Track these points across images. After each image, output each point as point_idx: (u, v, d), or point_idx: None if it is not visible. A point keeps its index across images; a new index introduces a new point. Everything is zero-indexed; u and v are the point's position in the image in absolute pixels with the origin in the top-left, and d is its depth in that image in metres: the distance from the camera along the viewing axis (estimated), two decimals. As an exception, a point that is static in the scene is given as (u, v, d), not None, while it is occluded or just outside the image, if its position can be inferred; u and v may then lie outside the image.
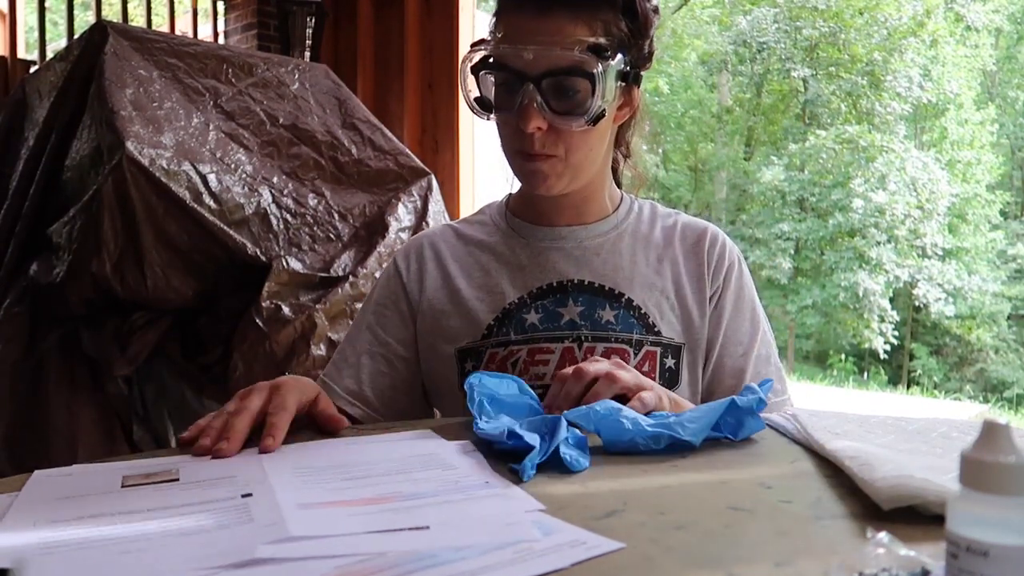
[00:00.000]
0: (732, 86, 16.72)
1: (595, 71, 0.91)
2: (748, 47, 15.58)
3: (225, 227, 2.02)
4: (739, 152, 16.46)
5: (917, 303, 13.79)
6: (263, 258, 2.05)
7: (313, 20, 3.81)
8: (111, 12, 6.95)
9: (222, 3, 4.21)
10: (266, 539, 0.47)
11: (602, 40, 0.92)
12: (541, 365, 0.99)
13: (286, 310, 2.04)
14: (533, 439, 0.66)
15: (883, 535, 0.42)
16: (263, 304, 2.01)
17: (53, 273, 1.96)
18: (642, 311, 1.01)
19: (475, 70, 0.96)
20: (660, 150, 16.76)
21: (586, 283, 1.02)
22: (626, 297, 1.01)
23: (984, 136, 14.48)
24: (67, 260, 1.92)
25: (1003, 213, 14.77)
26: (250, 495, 0.57)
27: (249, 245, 2.04)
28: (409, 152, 2.53)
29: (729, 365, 1.03)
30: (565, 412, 0.72)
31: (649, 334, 1.00)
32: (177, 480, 0.62)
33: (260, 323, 2.00)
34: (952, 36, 14.54)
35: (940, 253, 13.61)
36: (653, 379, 0.98)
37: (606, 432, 0.69)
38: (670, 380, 1.00)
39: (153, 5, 3.92)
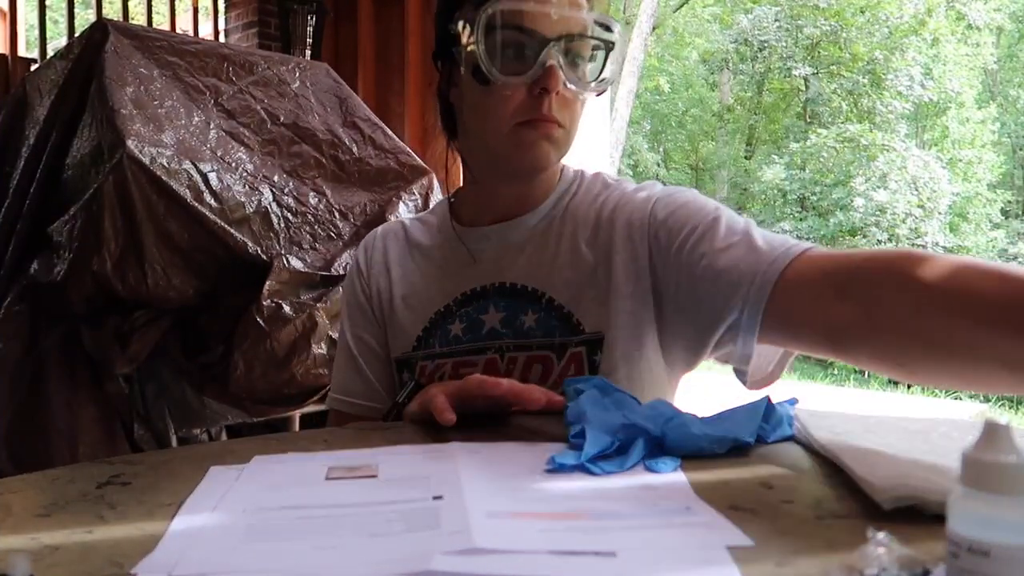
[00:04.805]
0: (733, 85, 16.72)
1: (616, 36, 0.90)
2: (749, 46, 15.58)
3: (226, 226, 2.01)
4: (740, 151, 16.46)
5: (918, 302, 13.78)
6: (264, 257, 2.05)
7: (314, 18, 3.81)
8: (112, 10, 6.95)
9: (223, 1, 4.21)
10: (449, 548, 0.46)
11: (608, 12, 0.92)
12: None
13: (287, 309, 2.04)
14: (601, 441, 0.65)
15: (883, 535, 0.41)
16: (264, 303, 2.00)
17: (54, 272, 1.96)
18: (564, 310, 0.90)
19: (486, 32, 0.87)
20: (661, 148, 16.77)
21: (507, 285, 0.93)
22: (547, 296, 0.91)
23: (985, 135, 14.47)
24: (68, 259, 1.92)
25: (1004, 212, 14.76)
26: (440, 498, 0.56)
27: (250, 244, 2.04)
28: (410, 151, 2.53)
29: (734, 262, 0.81)
30: (628, 413, 0.69)
31: (573, 334, 0.89)
32: (376, 477, 0.62)
33: (261, 322, 2.00)
34: (953, 35, 14.53)
35: (941, 252, 13.59)
36: None
37: (672, 436, 0.67)
38: (604, 376, 0.87)
39: (154, 3, 3.92)
